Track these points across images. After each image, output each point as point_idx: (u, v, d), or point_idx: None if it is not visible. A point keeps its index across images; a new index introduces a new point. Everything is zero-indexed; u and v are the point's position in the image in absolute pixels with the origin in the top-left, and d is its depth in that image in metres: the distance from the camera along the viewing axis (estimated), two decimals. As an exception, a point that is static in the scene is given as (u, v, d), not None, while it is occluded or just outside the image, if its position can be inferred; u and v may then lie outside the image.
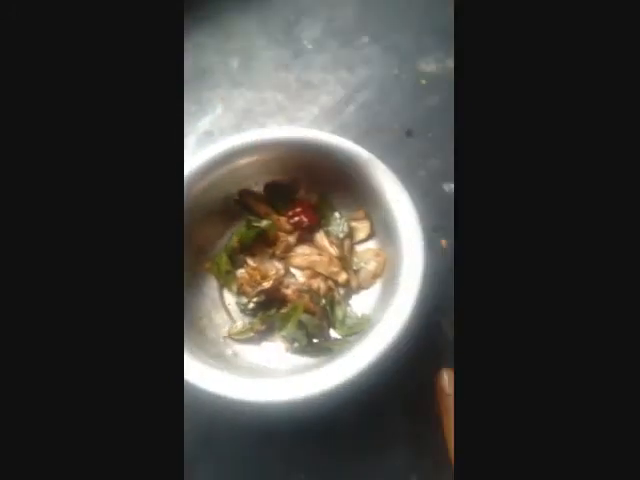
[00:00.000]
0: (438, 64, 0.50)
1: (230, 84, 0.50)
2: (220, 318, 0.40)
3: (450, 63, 0.50)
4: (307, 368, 0.36)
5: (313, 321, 0.38)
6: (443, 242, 0.43)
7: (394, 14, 0.53)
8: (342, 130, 0.47)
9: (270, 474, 0.36)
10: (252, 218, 0.42)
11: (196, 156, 0.40)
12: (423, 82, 0.49)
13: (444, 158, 0.45)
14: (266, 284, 0.39)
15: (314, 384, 0.32)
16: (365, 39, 0.52)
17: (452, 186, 0.45)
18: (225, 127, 0.48)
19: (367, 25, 0.52)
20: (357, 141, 0.45)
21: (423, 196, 0.43)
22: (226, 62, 0.52)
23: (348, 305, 0.40)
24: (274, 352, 0.39)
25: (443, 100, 0.48)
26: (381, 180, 0.39)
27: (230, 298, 0.41)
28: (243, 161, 0.42)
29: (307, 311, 0.38)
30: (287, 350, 0.38)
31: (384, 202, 0.39)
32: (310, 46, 0.52)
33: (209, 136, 0.48)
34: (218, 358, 0.37)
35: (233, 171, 0.42)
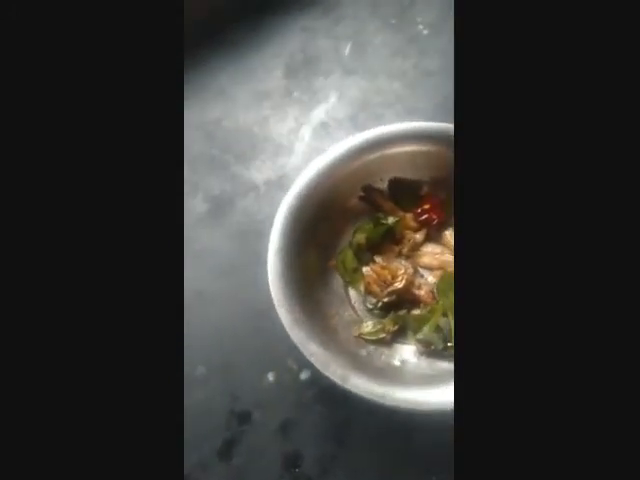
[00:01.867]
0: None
1: (342, 71, 0.49)
2: (348, 316, 0.40)
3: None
4: (443, 374, 0.35)
5: (451, 324, 0.37)
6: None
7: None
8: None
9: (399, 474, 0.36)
10: (379, 215, 0.41)
11: (323, 153, 0.39)
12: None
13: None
14: (398, 284, 0.38)
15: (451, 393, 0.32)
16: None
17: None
18: (341, 118, 0.47)
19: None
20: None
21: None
22: (337, 48, 0.50)
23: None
24: (407, 354, 0.38)
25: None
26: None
27: (355, 296, 0.41)
28: (369, 157, 0.41)
29: (443, 314, 0.37)
30: (422, 354, 0.37)
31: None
32: (426, 30, 0.49)
33: (325, 128, 0.47)
34: (356, 359, 0.37)
35: (358, 168, 0.41)
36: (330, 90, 0.48)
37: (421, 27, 0.49)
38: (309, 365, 0.35)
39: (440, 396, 0.32)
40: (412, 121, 0.45)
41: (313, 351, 0.34)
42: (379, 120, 0.46)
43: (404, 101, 0.47)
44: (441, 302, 0.37)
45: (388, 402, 0.33)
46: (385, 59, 0.49)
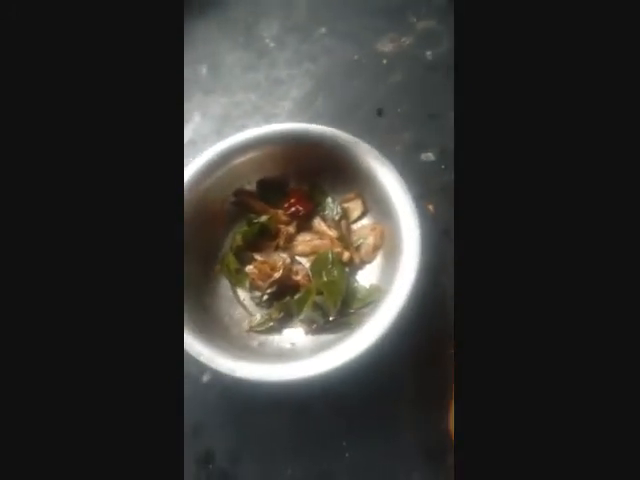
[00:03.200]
0: (394, 43, 0.53)
1: (203, 92, 0.52)
2: (239, 314, 0.42)
3: (406, 41, 0.52)
4: (328, 345, 0.39)
5: (327, 300, 0.40)
6: (430, 207, 0.46)
7: (344, 2, 0.55)
8: (317, 119, 0.49)
9: (305, 445, 0.39)
10: (251, 215, 0.44)
11: (188, 165, 0.42)
12: (384, 62, 0.52)
13: (416, 130, 0.48)
14: (277, 274, 0.42)
15: (337, 357, 0.35)
16: (322, 30, 0.54)
17: (429, 154, 0.48)
18: (207, 134, 0.50)
19: (321, 16, 0.55)
20: (334, 127, 0.48)
21: (402, 168, 0.47)
22: (194, 71, 0.53)
23: (356, 281, 0.43)
24: (296, 335, 0.41)
25: (405, 76, 0.51)
26: (366, 158, 0.41)
27: (243, 294, 0.43)
28: (235, 162, 0.44)
29: (319, 292, 0.41)
30: (307, 332, 0.41)
31: (372, 179, 0.41)
32: (272, 44, 0.54)
33: (193, 145, 0.50)
34: (246, 350, 0.39)
35: (226, 174, 0.44)
36: (193, 110, 0.51)
37: (267, 42, 0.54)
38: (207, 368, 0.37)
39: (329, 361, 0.35)
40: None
41: (200, 351, 0.36)
42: (242, 131, 0.50)
43: (261, 110, 0.51)
44: (315, 282, 0.41)
45: (282, 378, 0.36)
46: (239, 75, 0.53)
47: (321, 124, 0.48)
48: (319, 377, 0.35)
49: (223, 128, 0.50)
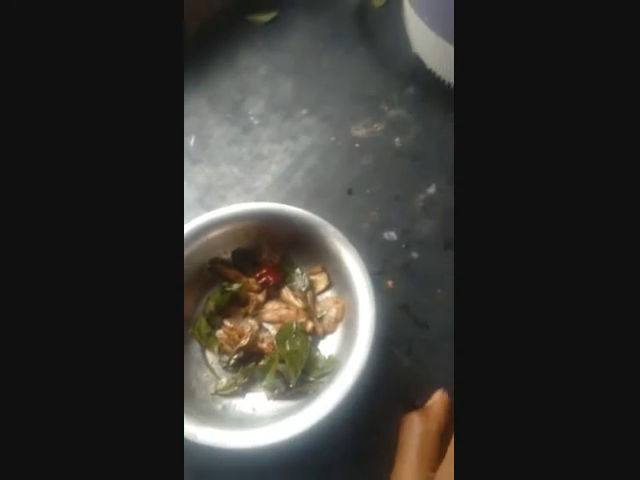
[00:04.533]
0: (367, 129, 0.58)
1: (190, 162, 0.56)
2: (206, 377, 0.45)
3: (378, 127, 0.58)
4: (288, 412, 0.42)
5: (289, 368, 0.44)
6: (389, 283, 0.50)
7: (326, 87, 0.61)
8: (293, 194, 0.54)
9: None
10: (225, 283, 0.48)
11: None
12: (357, 145, 0.57)
13: (382, 210, 0.53)
14: (243, 341, 0.45)
15: (295, 425, 0.38)
16: (304, 111, 0.59)
17: (392, 233, 0.52)
18: (190, 201, 0.54)
19: (304, 98, 0.60)
20: (308, 203, 0.53)
21: (367, 245, 0.51)
22: (184, 140, 0.58)
23: (317, 350, 0.46)
24: (258, 401, 0.44)
25: (375, 160, 0.56)
26: (332, 239, 0.46)
27: (212, 357, 0.46)
28: (212, 234, 0.48)
29: (282, 361, 0.44)
30: (269, 398, 0.44)
31: (336, 257, 0.46)
32: (256, 121, 0.59)
33: (176, 212, 0.53)
34: (209, 414, 0.42)
35: (204, 244, 0.48)
36: (179, 178, 0.56)
37: (252, 118, 0.59)
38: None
39: (288, 429, 0.38)
40: (249, 199, 0.54)
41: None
42: (223, 200, 0.54)
43: (242, 182, 0.55)
44: (279, 350, 0.45)
45: (240, 445, 0.39)
46: (224, 148, 0.57)
47: (297, 200, 0.53)
48: (277, 445, 0.38)
49: (205, 197, 0.55)
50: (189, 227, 0.47)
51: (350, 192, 0.55)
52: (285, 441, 0.38)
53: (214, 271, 0.49)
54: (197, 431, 0.38)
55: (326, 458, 0.42)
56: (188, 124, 0.58)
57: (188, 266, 0.47)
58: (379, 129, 0.58)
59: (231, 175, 0.56)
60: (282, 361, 0.44)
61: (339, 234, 0.46)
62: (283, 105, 0.60)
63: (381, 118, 0.59)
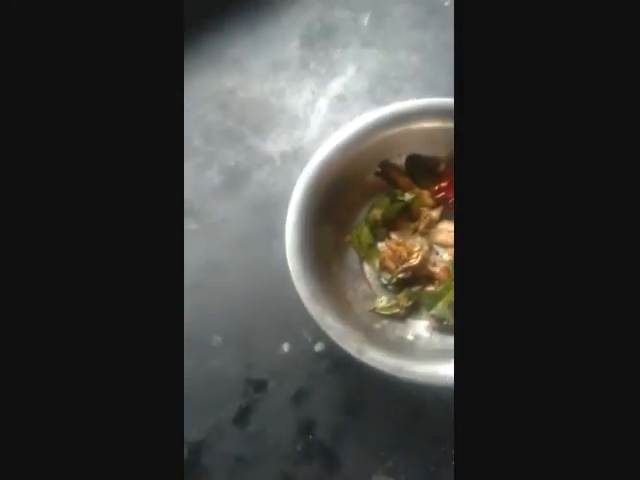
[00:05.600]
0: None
1: (360, 43, 0.48)
2: (363, 291, 0.41)
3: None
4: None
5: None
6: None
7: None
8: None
9: (414, 443, 0.37)
10: (396, 191, 0.41)
11: (339, 126, 0.39)
12: None
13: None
14: (414, 261, 0.39)
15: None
16: None
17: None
18: (358, 91, 0.46)
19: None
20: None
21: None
22: (355, 19, 0.49)
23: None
24: (419, 329, 0.39)
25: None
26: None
27: (370, 271, 0.41)
28: (388, 133, 0.40)
29: (457, 291, 0.38)
30: (434, 329, 0.38)
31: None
32: (447, 3, 0.48)
33: (342, 100, 0.46)
34: (369, 332, 0.38)
35: (375, 143, 0.40)
36: (348, 62, 0.47)
37: (442, -2, 0.48)
38: (323, 337, 0.36)
39: (451, 371, 0.33)
40: (430, 96, 0.44)
41: (330, 324, 0.35)
42: (397, 94, 0.46)
43: (423, 75, 0.46)
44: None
45: (403, 375, 0.34)
46: (404, 31, 0.48)
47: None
48: (438, 383, 0.33)
49: (376, 87, 0.46)
50: (359, 123, 0.39)
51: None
52: (450, 383, 0.33)
53: (383, 176, 0.42)
54: (361, 348, 0.34)
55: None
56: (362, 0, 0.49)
57: (353, 167, 0.40)
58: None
59: (409, 64, 0.46)
60: (457, 291, 0.38)
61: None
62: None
63: None
